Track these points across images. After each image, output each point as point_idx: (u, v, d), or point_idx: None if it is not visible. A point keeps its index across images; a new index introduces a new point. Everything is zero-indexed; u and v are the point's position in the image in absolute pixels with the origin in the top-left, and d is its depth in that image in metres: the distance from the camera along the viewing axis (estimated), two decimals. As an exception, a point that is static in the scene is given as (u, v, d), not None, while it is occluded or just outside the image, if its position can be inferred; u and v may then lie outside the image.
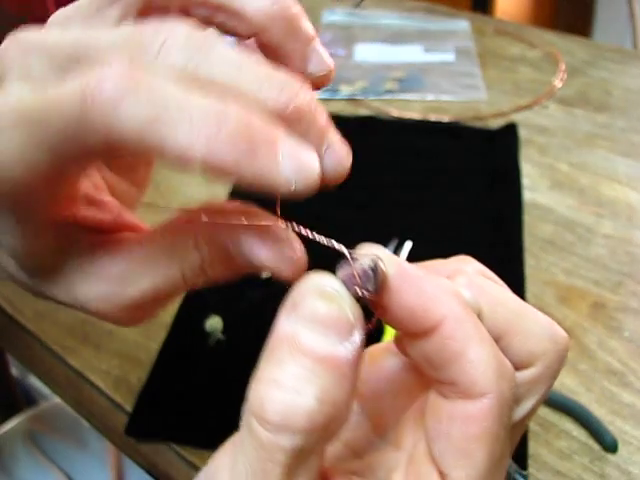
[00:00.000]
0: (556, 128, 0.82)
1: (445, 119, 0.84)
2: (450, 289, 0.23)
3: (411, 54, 1.01)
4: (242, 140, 0.20)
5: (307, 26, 0.25)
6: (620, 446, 0.46)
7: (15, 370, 1.05)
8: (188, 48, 0.22)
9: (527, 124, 0.82)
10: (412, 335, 0.22)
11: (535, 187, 0.72)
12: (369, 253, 0.22)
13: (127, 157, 0.31)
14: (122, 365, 0.53)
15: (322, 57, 0.26)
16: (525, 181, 0.72)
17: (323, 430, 0.20)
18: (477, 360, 0.21)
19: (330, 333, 0.20)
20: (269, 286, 0.58)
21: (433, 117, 0.84)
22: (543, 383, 0.24)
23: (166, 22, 0.22)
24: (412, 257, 0.61)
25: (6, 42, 0.24)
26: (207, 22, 0.25)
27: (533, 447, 0.46)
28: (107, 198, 0.29)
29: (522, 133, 0.80)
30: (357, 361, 0.21)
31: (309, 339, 0.20)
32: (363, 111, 0.87)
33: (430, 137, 0.81)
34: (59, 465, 0.80)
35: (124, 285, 0.26)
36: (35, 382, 1.04)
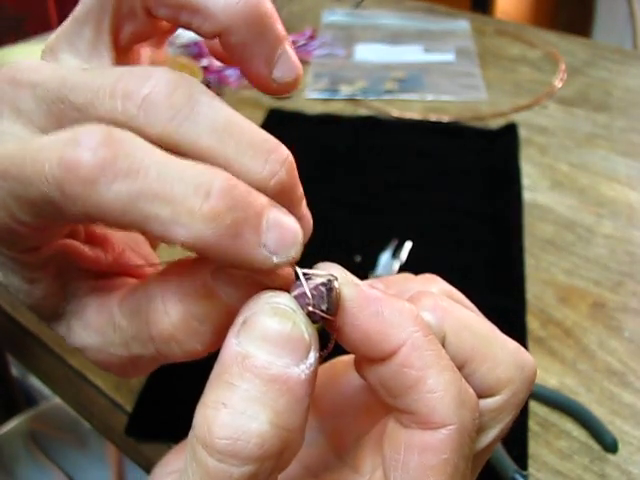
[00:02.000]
0: (556, 128, 0.82)
1: (445, 119, 0.84)
2: (411, 313, 0.21)
3: (411, 54, 1.01)
4: (225, 217, 0.19)
5: (277, 26, 0.23)
6: (620, 446, 0.46)
7: (15, 370, 1.05)
8: (171, 106, 0.20)
9: (527, 124, 0.82)
10: (369, 360, 0.21)
11: (535, 187, 0.72)
12: (324, 272, 0.21)
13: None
14: (122, 365, 0.53)
15: (290, 62, 0.24)
16: (525, 181, 0.72)
17: (276, 457, 0.19)
18: (436, 389, 0.20)
19: (284, 353, 0.19)
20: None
21: (433, 117, 0.84)
22: (508, 411, 0.23)
23: (150, 70, 0.21)
24: (412, 257, 0.61)
25: (2, 72, 0.23)
26: (172, 22, 0.24)
27: (533, 447, 0.46)
28: (113, 234, 0.27)
29: (522, 133, 0.80)
30: (312, 383, 0.20)
31: (261, 359, 0.19)
32: (363, 111, 0.87)
33: (430, 137, 0.81)
34: (59, 465, 0.80)
35: (112, 342, 0.24)
36: (35, 382, 1.04)
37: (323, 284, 0.21)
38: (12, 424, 0.85)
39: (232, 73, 0.92)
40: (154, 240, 0.20)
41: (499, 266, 0.61)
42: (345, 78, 0.95)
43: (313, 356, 0.20)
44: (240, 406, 0.18)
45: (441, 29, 1.07)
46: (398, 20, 1.09)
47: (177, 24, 0.24)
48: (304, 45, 1.03)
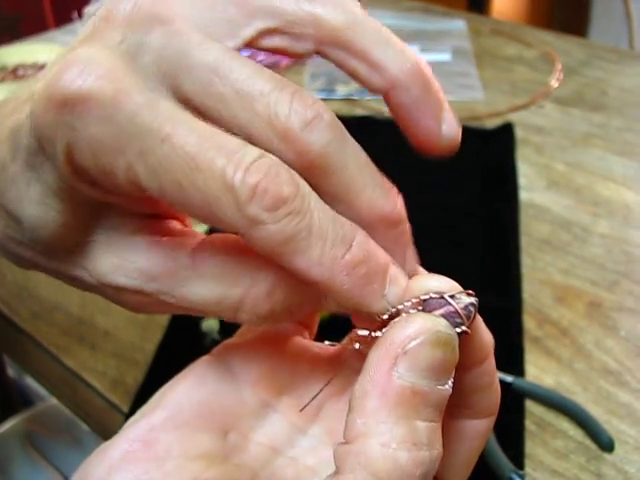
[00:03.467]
0: (552, 128, 0.82)
1: (441, 119, 0.84)
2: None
3: (407, 54, 1.01)
4: (361, 267, 0.21)
5: (439, 89, 0.25)
6: (616, 445, 0.46)
7: (11, 371, 1.05)
8: (331, 131, 0.21)
9: (523, 124, 0.82)
10: (463, 368, 0.23)
11: (531, 187, 0.72)
12: (460, 289, 0.22)
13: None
14: (118, 366, 0.53)
15: (454, 119, 0.25)
16: (521, 181, 0.73)
17: None
18: (497, 388, 0.24)
19: (445, 377, 0.20)
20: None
21: (429, 117, 0.84)
22: None
23: (314, 97, 0.21)
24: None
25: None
26: (338, 65, 0.24)
27: (530, 447, 0.46)
28: None
29: (518, 133, 0.80)
30: None
31: (430, 389, 0.20)
32: (360, 111, 0.87)
33: (426, 137, 0.81)
34: (56, 465, 0.80)
35: (162, 291, 0.23)
36: (31, 383, 1.03)
37: (472, 304, 0.21)
38: (8, 425, 0.85)
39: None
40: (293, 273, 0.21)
41: (495, 266, 0.61)
42: (341, 78, 0.94)
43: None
44: (425, 440, 0.19)
45: (437, 29, 1.07)
46: (394, 20, 1.09)
47: (344, 68, 0.24)
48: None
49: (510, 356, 0.52)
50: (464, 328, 0.21)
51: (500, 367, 0.53)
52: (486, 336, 0.23)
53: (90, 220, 0.23)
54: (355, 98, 0.90)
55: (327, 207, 0.21)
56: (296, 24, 0.23)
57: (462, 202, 0.70)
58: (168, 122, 0.19)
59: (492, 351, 0.23)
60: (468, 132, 0.81)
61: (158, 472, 0.21)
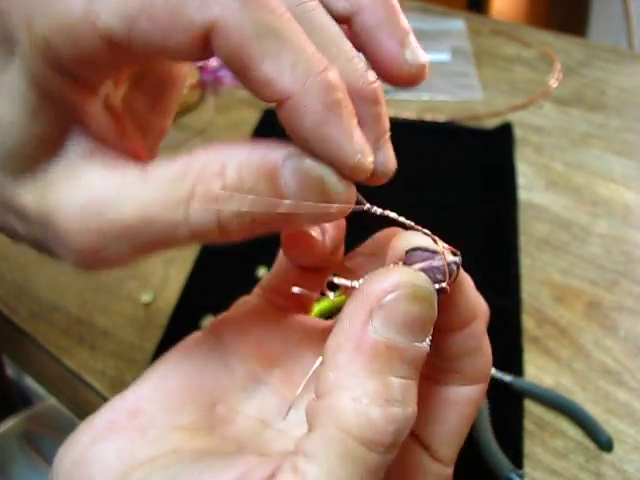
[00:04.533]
0: (551, 128, 0.82)
1: (441, 119, 0.84)
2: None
3: (407, 54, 1.01)
4: (332, 98, 0.19)
5: (403, 17, 0.24)
6: (615, 445, 0.46)
7: (11, 371, 1.05)
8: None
9: (522, 124, 0.82)
10: (446, 330, 0.22)
11: (530, 187, 0.72)
12: (444, 245, 0.21)
13: (157, 76, 0.28)
14: (118, 365, 0.53)
15: (418, 49, 0.24)
16: (520, 181, 0.73)
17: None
18: (487, 353, 0.23)
19: (422, 333, 0.19)
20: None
21: (429, 117, 0.84)
22: None
23: None
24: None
25: None
26: None
27: (529, 446, 0.46)
28: (123, 113, 0.25)
29: (517, 133, 0.80)
30: None
31: (404, 343, 0.19)
32: (359, 111, 0.87)
33: (426, 137, 0.81)
34: (55, 466, 0.80)
35: (110, 206, 0.21)
36: (31, 383, 1.03)
37: (455, 263, 0.21)
38: (7, 425, 0.84)
39: (227, 73, 0.92)
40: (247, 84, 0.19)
41: (494, 265, 0.61)
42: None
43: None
44: (399, 396, 0.19)
45: (437, 29, 1.07)
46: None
47: None
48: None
49: (509, 356, 0.52)
50: (444, 285, 0.20)
51: (499, 367, 0.54)
52: (472, 298, 0.22)
53: (58, 133, 0.22)
54: (354, 98, 0.89)
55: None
56: None
57: (461, 202, 0.70)
58: None
59: (481, 315, 0.23)
60: (467, 132, 0.81)
61: (141, 441, 0.21)
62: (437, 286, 0.20)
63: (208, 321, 0.54)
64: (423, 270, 0.20)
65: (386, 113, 0.23)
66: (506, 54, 1.00)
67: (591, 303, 0.58)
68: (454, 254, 0.21)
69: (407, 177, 0.75)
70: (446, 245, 0.21)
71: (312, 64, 0.19)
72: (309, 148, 0.20)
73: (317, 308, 0.50)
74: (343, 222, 0.27)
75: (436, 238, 0.21)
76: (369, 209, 0.23)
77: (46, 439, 0.83)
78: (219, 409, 0.23)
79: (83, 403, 0.53)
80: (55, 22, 0.19)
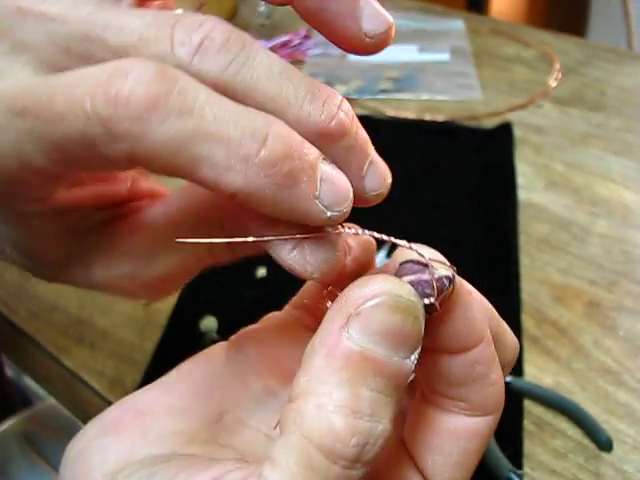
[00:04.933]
0: (551, 128, 0.82)
1: (440, 119, 0.84)
2: (487, 309, 0.22)
3: (406, 54, 1.01)
4: (283, 165, 0.18)
5: None
6: (615, 445, 0.46)
7: (10, 371, 1.05)
8: (227, 51, 0.19)
9: (522, 124, 0.82)
10: (444, 351, 0.21)
11: (530, 186, 0.72)
12: (438, 259, 0.20)
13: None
14: (117, 365, 0.53)
15: (379, 14, 0.22)
16: (520, 180, 0.73)
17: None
18: (495, 383, 0.21)
19: (402, 348, 0.18)
20: (264, 286, 0.58)
21: (428, 117, 0.84)
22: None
23: (200, 17, 0.19)
24: (407, 257, 0.60)
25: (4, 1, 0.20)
26: None
27: (528, 446, 0.46)
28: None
29: (517, 133, 0.80)
30: None
31: (380, 355, 0.18)
32: (358, 111, 0.87)
33: (425, 137, 0.81)
34: (54, 466, 0.80)
35: (148, 262, 0.24)
36: (30, 383, 1.03)
37: (448, 278, 0.19)
38: (6, 425, 0.84)
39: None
40: (206, 186, 0.18)
41: (494, 265, 0.61)
42: (340, 78, 0.94)
43: (420, 345, 0.19)
44: (368, 410, 0.17)
45: (436, 29, 1.07)
46: (393, 19, 1.09)
47: None
48: (299, 44, 1.03)
49: (509, 356, 0.52)
50: (432, 300, 0.19)
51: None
52: (475, 320, 0.21)
53: (64, 230, 0.23)
54: (353, 98, 0.89)
55: (227, 100, 0.18)
56: None
57: (461, 202, 0.70)
58: None
59: (488, 340, 0.21)
60: (467, 132, 0.81)
61: (141, 440, 0.21)
62: (427, 301, 0.19)
63: (208, 321, 0.54)
64: (411, 282, 0.19)
65: (363, 137, 0.21)
66: (505, 54, 1.00)
67: (590, 303, 0.58)
68: (451, 268, 0.20)
69: (406, 177, 0.75)
70: (444, 260, 0.20)
71: (245, 149, 0.18)
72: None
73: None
74: (371, 243, 0.26)
75: (432, 252, 0.21)
76: (341, 232, 0.21)
77: (46, 439, 0.83)
78: (227, 419, 0.23)
79: (82, 403, 0.53)
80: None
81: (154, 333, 0.55)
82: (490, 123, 0.83)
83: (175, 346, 0.53)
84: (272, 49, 0.99)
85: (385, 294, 0.18)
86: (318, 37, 1.05)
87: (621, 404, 0.49)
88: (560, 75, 0.94)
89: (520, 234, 0.65)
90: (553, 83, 0.92)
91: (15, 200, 0.21)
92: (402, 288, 0.18)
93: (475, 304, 0.21)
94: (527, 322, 0.55)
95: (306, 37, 1.05)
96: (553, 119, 0.84)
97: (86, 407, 0.53)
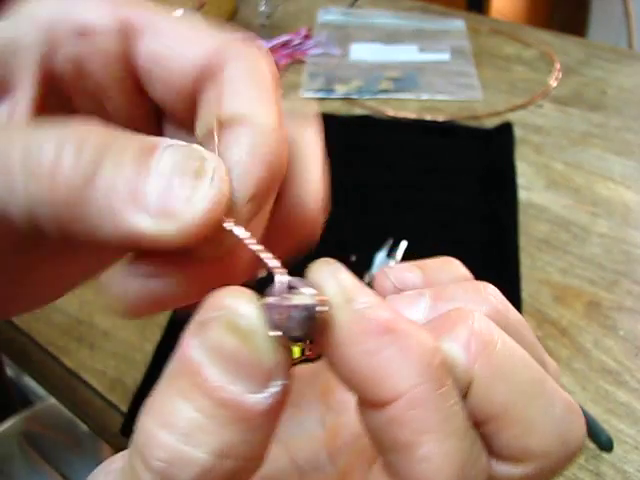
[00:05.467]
0: (551, 127, 0.82)
1: (440, 118, 0.84)
2: (423, 357, 0.16)
3: (406, 54, 1.01)
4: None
5: None
6: (615, 445, 0.46)
7: (10, 371, 1.05)
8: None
9: (522, 123, 0.82)
10: (361, 401, 0.17)
11: (530, 186, 0.72)
12: (310, 292, 0.16)
13: None
14: (117, 365, 0.53)
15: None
16: (520, 180, 0.72)
17: None
18: (432, 459, 0.16)
19: (239, 377, 0.15)
20: (264, 286, 0.58)
21: (428, 116, 0.84)
22: None
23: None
24: (407, 257, 0.60)
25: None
26: None
27: (529, 446, 0.46)
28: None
29: (517, 132, 0.80)
30: (276, 412, 0.16)
31: (215, 378, 0.15)
32: (358, 110, 0.87)
33: (425, 136, 0.81)
34: (54, 465, 0.80)
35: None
36: (30, 383, 1.03)
37: (304, 308, 0.16)
38: (6, 425, 0.84)
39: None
40: None
41: (494, 265, 0.61)
42: (340, 77, 0.94)
43: (278, 384, 0.16)
44: (185, 429, 0.15)
45: (436, 28, 1.07)
46: (393, 19, 1.09)
47: None
48: (299, 44, 1.03)
49: (509, 356, 0.52)
50: (296, 334, 0.16)
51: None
52: (397, 371, 0.16)
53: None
54: (354, 97, 0.89)
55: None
56: None
57: (461, 201, 0.70)
58: None
59: (405, 400, 0.16)
60: (467, 132, 0.81)
61: None
62: (295, 334, 0.16)
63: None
64: (268, 306, 0.16)
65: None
66: (506, 54, 1.00)
67: (591, 303, 0.58)
68: (323, 303, 0.16)
69: (406, 176, 0.75)
70: (333, 291, 0.17)
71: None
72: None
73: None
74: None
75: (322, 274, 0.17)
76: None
77: (46, 439, 0.83)
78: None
79: (83, 403, 0.53)
80: None
81: (154, 333, 0.55)
82: (490, 123, 0.83)
83: (175, 346, 0.53)
84: (272, 49, 0.99)
85: (225, 309, 0.16)
86: (318, 37, 1.05)
87: (621, 404, 0.49)
88: (560, 75, 0.94)
89: (520, 234, 0.65)
90: (553, 83, 0.92)
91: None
92: (244, 308, 0.16)
93: (389, 348, 0.16)
94: (527, 322, 0.55)
95: (306, 37, 1.05)
96: (553, 119, 0.84)
97: (86, 407, 0.53)
